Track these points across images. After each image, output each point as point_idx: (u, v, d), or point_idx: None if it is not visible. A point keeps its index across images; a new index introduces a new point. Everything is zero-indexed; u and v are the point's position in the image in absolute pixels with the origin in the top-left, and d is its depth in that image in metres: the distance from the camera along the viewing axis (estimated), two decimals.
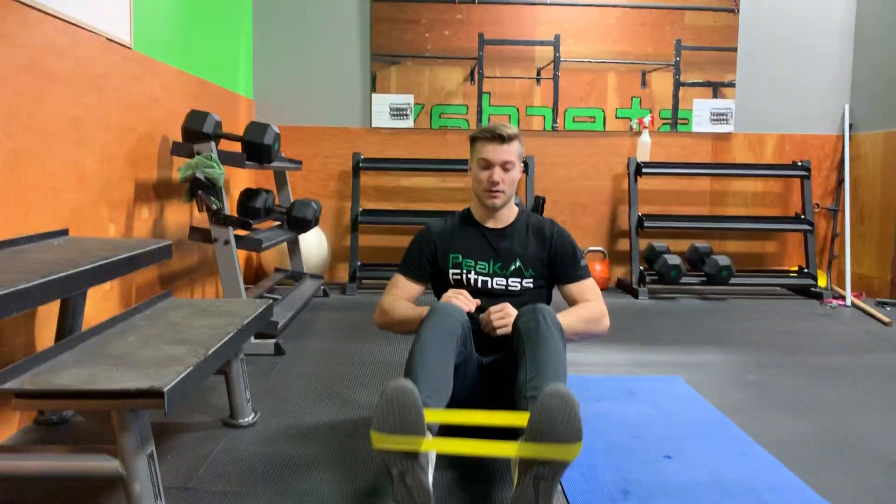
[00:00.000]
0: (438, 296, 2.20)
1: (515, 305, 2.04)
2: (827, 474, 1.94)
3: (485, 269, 2.17)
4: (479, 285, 2.15)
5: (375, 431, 1.48)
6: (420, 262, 2.22)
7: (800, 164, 4.81)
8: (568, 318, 2.02)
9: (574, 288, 2.18)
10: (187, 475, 1.87)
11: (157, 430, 2.07)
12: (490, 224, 2.21)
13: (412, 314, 2.10)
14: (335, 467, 1.94)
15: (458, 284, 2.16)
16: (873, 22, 4.77)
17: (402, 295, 2.21)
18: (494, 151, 2.12)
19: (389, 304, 2.18)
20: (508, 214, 2.22)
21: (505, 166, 2.13)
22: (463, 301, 2.03)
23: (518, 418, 1.56)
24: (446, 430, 1.81)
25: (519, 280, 2.16)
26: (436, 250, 2.21)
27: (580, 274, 2.18)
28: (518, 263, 2.16)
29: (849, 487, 1.87)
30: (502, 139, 2.11)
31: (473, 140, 2.17)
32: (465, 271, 2.17)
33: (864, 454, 2.09)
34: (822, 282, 4.78)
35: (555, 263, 2.18)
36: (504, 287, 2.15)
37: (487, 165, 2.13)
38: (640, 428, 2.22)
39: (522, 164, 2.20)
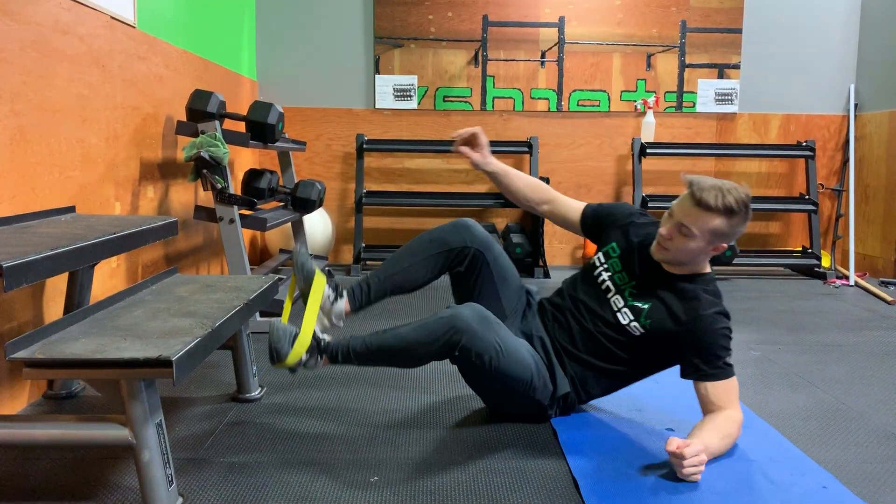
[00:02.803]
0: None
1: (607, 336, 1.98)
2: (827, 446, 1.97)
3: (622, 281, 2.00)
4: (603, 287, 2.02)
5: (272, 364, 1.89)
6: (602, 216, 2.12)
7: (804, 144, 4.79)
8: (712, 440, 1.78)
9: (710, 394, 1.85)
10: (196, 446, 1.90)
11: (165, 404, 2.11)
12: (662, 263, 1.96)
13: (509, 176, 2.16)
14: (341, 439, 1.96)
15: (590, 268, 2.07)
16: (880, 1, 4.73)
17: (560, 199, 2.18)
18: (682, 207, 1.85)
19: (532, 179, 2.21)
20: (689, 270, 1.94)
21: (681, 229, 1.84)
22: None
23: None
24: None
25: (631, 318, 1.94)
26: (612, 228, 2.08)
27: (712, 373, 1.85)
28: (645, 306, 1.93)
29: (849, 458, 1.89)
30: (695, 201, 1.81)
31: None
32: (606, 267, 2.04)
33: (864, 427, 2.11)
34: (825, 262, 4.79)
35: (682, 346, 1.88)
36: (615, 310, 1.98)
37: (671, 214, 1.88)
38: (641, 401, 2.24)
39: (719, 245, 1.86)
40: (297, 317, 1.97)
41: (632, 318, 1.94)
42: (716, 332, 1.86)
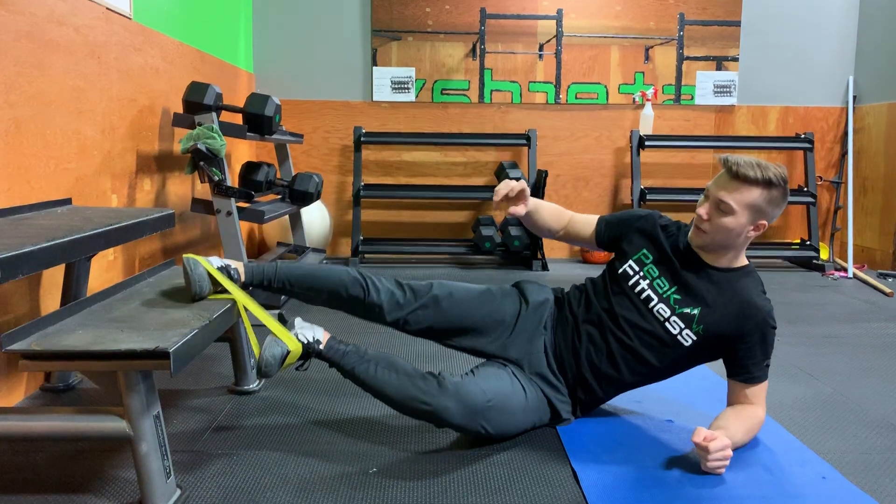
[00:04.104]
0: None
1: (655, 352, 1.89)
2: (827, 437, 1.96)
3: (662, 288, 1.90)
4: (643, 297, 1.91)
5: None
6: (618, 226, 2.02)
7: (803, 136, 4.79)
8: (737, 434, 1.79)
9: (747, 390, 1.86)
10: (193, 439, 1.89)
11: (163, 397, 2.10)
12: (703, 254, 1.89)
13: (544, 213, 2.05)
14: (339, 431, 1.96)
15: (622, 279, 1.95)
16: None
17: (575, 218, 2.09)
18: (719, 183, 1.79)
19: (553, 205, 2.12)
20: (729, 261, 1.88)
21: (720, 205, 1.78)
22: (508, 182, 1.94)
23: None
24: None
25: (682, 327, 1.86)
26: (636, 235, 1.98)
27: (759, 375, 1.85)
28: (696, 312, 1.85)
29: (848, 449, 1.89)
30: (732, 174, 1.76)
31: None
32: (642, 275, 1.93)
33: (862, 418, 2.11)
34: (824, 254, 4.79)
35: (735, 349, 1.84)
36: (662, 320, 1.88)
37: (706, 195, 1.82)
38: (640, 392, 2.23)
39: (759, 222, 1.79)
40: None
41: (683, 326, 1.85)
42: (768, 337, 1.84)
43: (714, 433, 1.70)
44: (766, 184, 1.76)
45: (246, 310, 1.87)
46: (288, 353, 1.84)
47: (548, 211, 2.08)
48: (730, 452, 1.70)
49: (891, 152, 4.55)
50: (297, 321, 1.95)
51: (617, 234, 2.03)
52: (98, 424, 1.50)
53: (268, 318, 1.85)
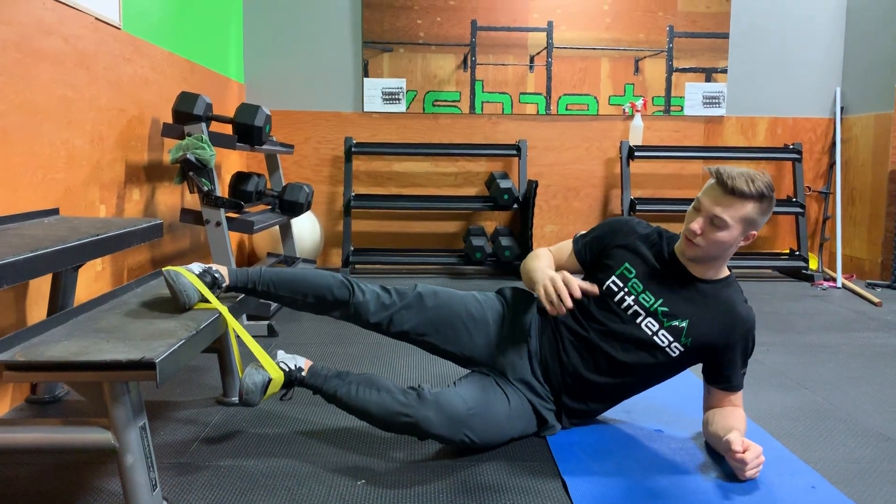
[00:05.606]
0: None
1: (644, 365, 1.89)
2: (816, 446, 1.96)
3: (648, 302, 1.89)
4: (630, 313, 1.89)
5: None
6: (597, 244, 2.00)
7: (791, 147, 4.82)
8: (744, 433, 1.83)
9: (731, 396, 1.92)
10: (181, 451, 1.87)
11: (150, 408, 2.08)
12: (691, 265, 1.89)
13: (536, 269, 1.91)
14: (327, 442, 1.94)
15: (607, 295, 1.91)
16: (865, 5, 4.77)
17: (556, 256, 2.03)
18: (712, 198, 1.78)
19: (539, 252, 2.01)
20: (714, 272, 1.89)
21: (713, 220, 1.77)
22: (560, 285, 1.78)
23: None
24: None
25: (671, 340, 1.86)
26: (617, 249, 1.96)
27: (740, 383, 1.91)
28: (684, 324, 1.86)
29: (837, 458, 1.89)
30: (727, 189, 1.75)
31: (709, 175, 1.84)
32: (627, 291, 1.90)
33: (852, 427, 2.11)
34: (813, 264, 4.81)
35: (721, 359, 1.88)
36: (651, 334, 1.87)
37: (698, 210, 1.81)
38: (630, 402, 2.22)
39: (749, 234, 1.81)
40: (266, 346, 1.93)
41: (671, 339, 1.86)
42: (750, 346, 1.90)
43: (745, 443, 1.71)
44: (759, 197, 1.77)
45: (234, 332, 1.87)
46: (270, 381, 1.84)
47: (546, 259, 2.02)
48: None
49: (878, 163, 4.58)
50: (280, 353, 1.95)
51: (598, 250, 2.00)
52: (83, 436, 1.48)
53: (250, 341, 1.84)
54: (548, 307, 1.79)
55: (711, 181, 1.80)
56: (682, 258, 1.89)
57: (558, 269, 1.98)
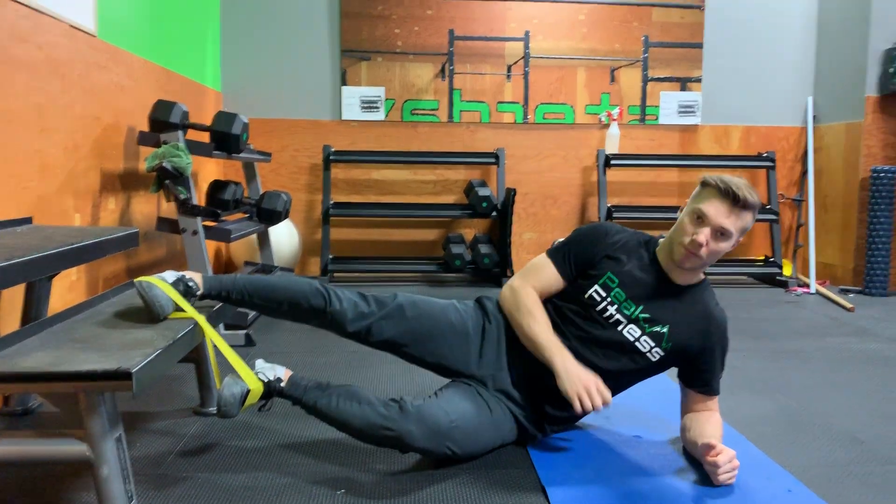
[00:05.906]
0: None
1: (625, 371, 1.91)
2: (791, 450, 1.99)
3: (629, 309, 1.88)
4: (611, 322, 1.89)
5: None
6: (580, 259, 1.96)
7: (765, 155, 4.90)
8: (720, 440, 1.85)
9: (709, 401, 1.95)
10: (157, 462, 1.85)
11: (126, 419, 2.05)
12: (674, 272, 1.90)
13: (540, 338, 1.88)
14: (306, 453, 1.93)
15: (588, 306, 1.90)
16: (835, 16, 4.87)
17: (540, 287, 1.96)
18: (719, 209, 1.77)
19: (530, 303, 1.93)
20: (691, 276, 1.91)
21: (720, 232, 1.78)
22: (594, 394, 1.80)
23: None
24: None
25: (652, 345, 1.88)
26: (598, 258, 1.94)
27: (717, 387, 1.95)
28: (665, 330, 1.88)
29: (813, 462, 1.91)
30: (737, 202, 1.76)
31: (704, 184, 1.82)
32: (610, 300, 1.89)
33: (826, 431, 2.14)
34: (787, 270, 4.88)
35: (699, 362, 1.91)
36: (632, 340, 1.88)
37: (701, 221, 1.79)
38: (609, 410, 2.24)
39: (738, 241, 1.84)
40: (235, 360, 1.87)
41: (653, 344, 1.88)
42: (726, 350, 1.93)
43: (718, 448, 1.73)
44: (756, 207, 1.80)
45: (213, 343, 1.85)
46: (248, 391, 1.83)
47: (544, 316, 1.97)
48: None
49: (849, 171, 4.67)
50: (258, 362, 1.94)
51: (581, 263, 1.96)
52: (57, 448, 1.46)
53: (228, 351, 1.83)
54: (578, 409, 1.81)
55: (706, 190, 1.80)
56: (668, 265, 1.90)
57: (547, 297, 1.97)
